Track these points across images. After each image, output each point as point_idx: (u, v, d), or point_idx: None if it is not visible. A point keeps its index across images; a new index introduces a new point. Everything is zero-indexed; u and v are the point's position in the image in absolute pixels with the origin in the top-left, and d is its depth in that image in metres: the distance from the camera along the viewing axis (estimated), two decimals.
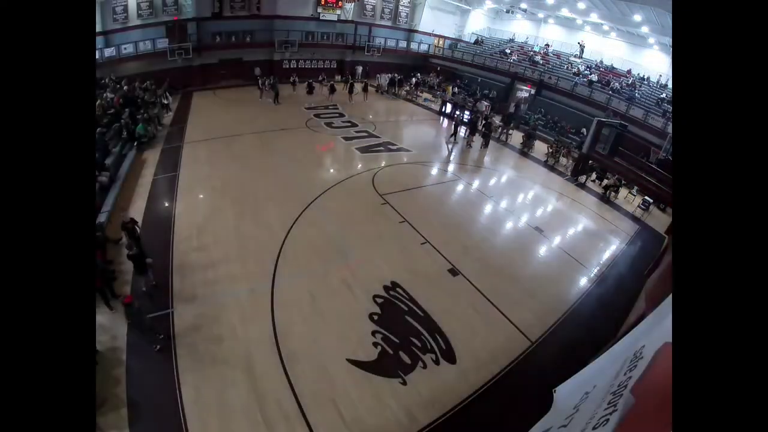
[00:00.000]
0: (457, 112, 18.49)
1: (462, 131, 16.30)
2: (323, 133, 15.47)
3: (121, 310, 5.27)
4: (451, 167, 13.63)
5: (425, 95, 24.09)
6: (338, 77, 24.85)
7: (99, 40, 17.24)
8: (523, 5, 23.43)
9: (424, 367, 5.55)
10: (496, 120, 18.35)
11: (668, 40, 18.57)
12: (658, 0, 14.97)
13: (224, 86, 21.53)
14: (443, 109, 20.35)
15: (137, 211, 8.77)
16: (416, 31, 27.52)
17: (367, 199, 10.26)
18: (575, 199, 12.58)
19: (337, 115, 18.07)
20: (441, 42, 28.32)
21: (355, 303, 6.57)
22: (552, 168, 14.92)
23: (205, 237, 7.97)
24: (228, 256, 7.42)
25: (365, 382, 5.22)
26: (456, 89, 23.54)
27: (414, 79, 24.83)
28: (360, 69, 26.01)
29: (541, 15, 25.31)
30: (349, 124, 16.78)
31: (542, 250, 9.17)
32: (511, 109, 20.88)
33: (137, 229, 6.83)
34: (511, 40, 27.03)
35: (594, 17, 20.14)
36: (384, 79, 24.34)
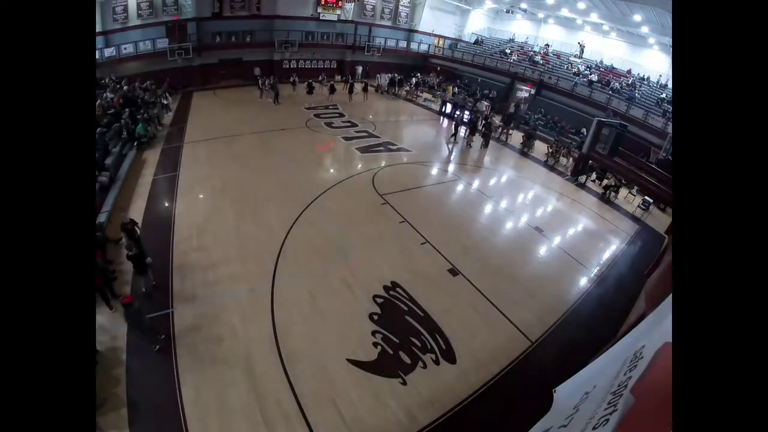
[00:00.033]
0: (457, 112, 18.49)
1: (462, 131, 16.30)
2: (323, 133, 15.47)
3: (121, 310, 5.27)
4: (451, 167, 13.63)
5: (425, 95, 24.10)
6: (338, 77, 24.85)
7: (99, 40, 17.23)
8: (523, 5, 23.43)
9: (424, 367, 5.55)
10: (496, 120, 18.36)
11: (668, 40, 18.57)
12: (658, 0, 14.97)
13: (224, 86, 21.53)
14: (443, 109, 20.36)
15: (137, 211, 8.77)
16: (416, 31, 27.52)
17: (367, 199, 10.26)
18: (575, 199, 12.59)
19: (337, 115, 18.07)
20: (441, 42, 28.33)
21: (355, 303, 6.57)
22: (552, 168, 14.92)
23: (205, 237, 7.97)
24: (228, 256, 7.42)
25: (365, 382, 5.22)
26: (456, 89, 23.54)
27: (414, 79, 24.84)
28: (360, 69, 26.01)
29: (541, 15, 25.31)
30: (349, 124, 16.78)
31: (542, 250, 9.17)
32: (511, 109, 20.88)
33: (137, 230, 6.83)
34: (511, 40, 27.03)
35: (594, 17, 20.14)
36: (384, 79, 24.35)
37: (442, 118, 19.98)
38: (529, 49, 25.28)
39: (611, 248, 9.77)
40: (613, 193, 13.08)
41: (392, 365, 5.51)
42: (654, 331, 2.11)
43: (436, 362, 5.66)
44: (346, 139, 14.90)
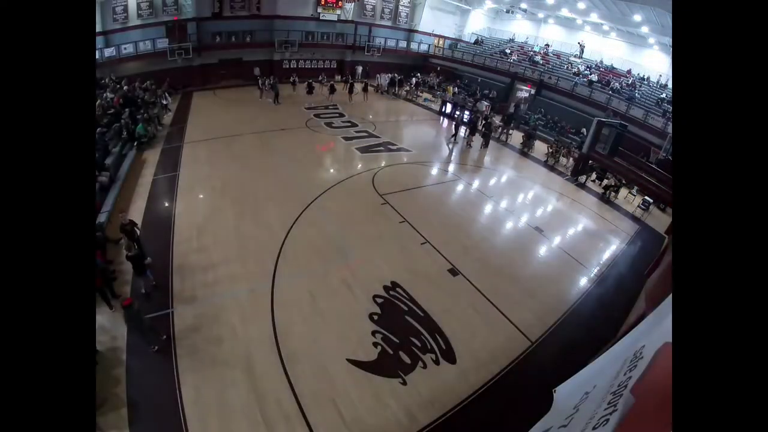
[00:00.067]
0: (457, 112, 18.49)
1: (462, 131, 16.30)
2: (323, 133, 15.47)
3: (121, 311, 5.26)
4: (451, 167, 13.63)
5: (425, 95, 24.10)
6: (338, 77, 24.85)
7: (99, 40, 17.24)
8: (523, 5, 23.43)
9: (424, 367, 5.55)
10: (496, 120, 18.36)
11: (668, 40, 18.57)
12: (658, 0, 14.98)
13: (224, 86, 21.53)
14: (443, 109, 20.36)
15: (137, 211, 8.77)
16: (416, 31, 27.52)
17: (367, 199, 10.26)
18: (575, 199, 12.59)
19: (337, 115, 18.07)
20: (441, 42, 28.33)
21: (355, 303, 6.57)
22: (552, 168, 14.92)
23: (205, 237, 7.97)
24: (228, 256, 7.42)
25: (365, 382, 5.22)
26: (456, 89, 23.55)
27: (414, 79, 24.84)
28: (360, 69, 26.01)
29: (541, 15, 25.31)
30: (349, 124, 16.78)
31: (542, 250, 9.17)
32: (511, 109, 20.89)
33: (136, 231, 6.81)
34: (511, 40, 27.04)
35: (594, 17, 20.14)
36: (384, 79, 24.35)
37: (442, 118, 19.98)
38: (529, 49, 25.28)
39: (611, 248, 9.77)
40: (613, 193, 13.08)
41: (392, 365, 5.51)
42: (654, 331, 2.11)
43: (436, 362, 5.66)
44: (346, 139, 14.90)
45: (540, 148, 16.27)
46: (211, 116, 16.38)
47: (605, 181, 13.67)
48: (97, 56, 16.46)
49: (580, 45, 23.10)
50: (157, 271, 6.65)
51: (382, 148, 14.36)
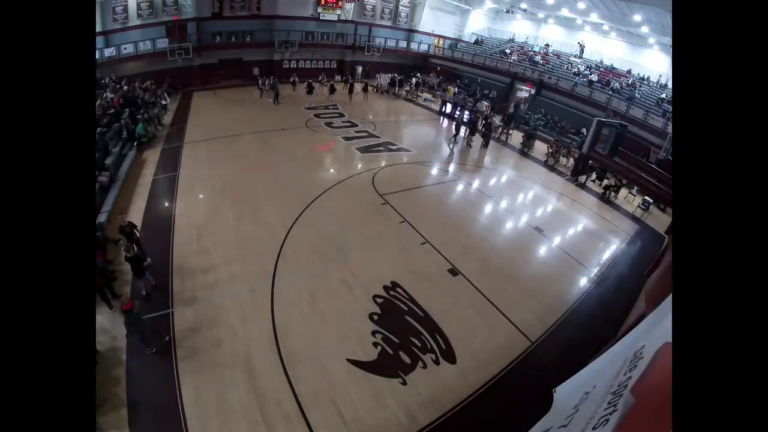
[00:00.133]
0: (457, 113, 18.49)
1: (462, 131, 16.31)
2: (323, 133, 15.47)
3: (122, 314, 5.25)
4: (451, 167, 13.63)
5: (425, 95, 24.10)
6: (338, 77, 24.85)
7: (99, 40, 17.23)
8: (523, 5, 23.43)
9: (424, 367, 5.55)
10: (496, 120, 18.36)
11: (668, 40, 18.57)
12: (658, 0, 14.98)
13: (224, 86, 21.53)
14: (443, 109, 20.36)
15: (137, 211, 8.78)
16: (416, 31, 27.52)
17: (367, 199, 10.26)
18: (575, 199, 12.59)
19: (337, 115, 18.07)
20: (441, 42, 28.33)
21: (355, 303, 6.57)
22: (552, 168, 14.92)
23: (205, 237, 7.97)
24: (228, 256, 7.42)
25: (365, 382, 5.22)
26: (456, 89, 23.55)
27: (414, 79, 24.84)
28: (360, 69, 26.01)
29: (541, 15, 25.31)
30: (349, 124, 16.78)
31: (542, 250, 9.17)
32: (511, 110, 20.88)
33: (136, 232, 6.79)
34: (511, 40, 27.03)
35: (594, 17, 20.14)
36: (384, 79, 24.35)
37: (442, 118, 19.98)
38: (529, 49, 25.28)
39: (611, 248, 9.77)
40: (613, 193, 13.09)
41: (392, 365, 5.51)
42: (654, 331, 2.11)
43: (436, 362, 5.66)
44: (346, 139, 14.90)
45: (540, 148, 16.27)
46: (211, 116, 16.38)
47: (605, 181, 13.68)
48: (97, 56, 16.46)
49: (580, 45, 23.10)
50: (157, 271, 6.65)
51: (382, 148, 14.36)
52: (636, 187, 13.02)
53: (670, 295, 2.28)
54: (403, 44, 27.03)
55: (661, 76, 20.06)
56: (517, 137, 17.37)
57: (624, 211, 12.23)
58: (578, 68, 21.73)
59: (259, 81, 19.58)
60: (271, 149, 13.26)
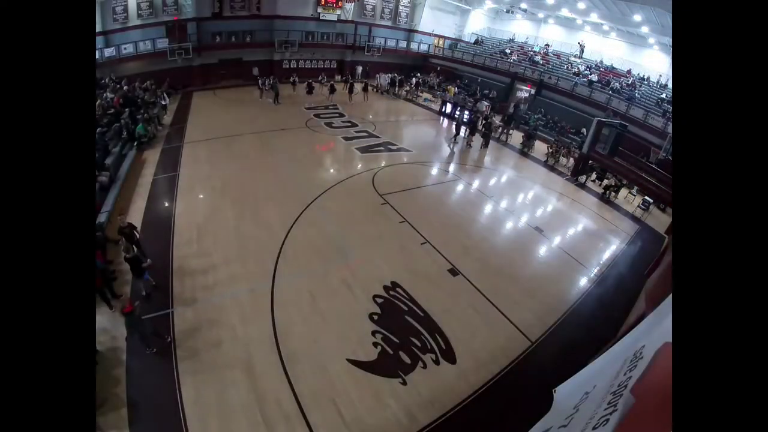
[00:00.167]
0: (457, 113, 18.50)
1: (463, 131, 16.31)
2: (323, 133, 15.47)
3: (122, 316, 5.24)
4: (451, 167, 13.63)
5: (425, 95, 24.10)
6: (338, 77, 24.85)
7: (99, 40, 17.23)
8: (523, 5, 23.43)
9: (424, 367, 5.55)
10: (496, 120, 18.36)
11: (668, 40, 18.57)
12: (658, 0, 14.98)
13: (224, 86, 21.53)
14: (443, 109, 20.36)
15: (137, 211, 8.78)
16: (416, 31, 27.52)
17: (367, 199, 10.26)
18: (575, 199, 12.59)
19: (337, 115, 18.07)
20: (441, 42, 28.33)
21: (355, 303, 6.57)
22: (552, 168, 14.92)
23: (205, 237, 7.97)
24: (228, 256, 7.42)
25: (365, 382, 5.22)
26: (456, 89, 23.55)
27: (414, 79, 24.84)
28: (360, 69, 26.01)
29: (541, 15, 25.31)
30: (349, 124, 16.78)
31: (542, 250, 9.17)
32: (511, 110, 20.88)
33: (136, 233, 6.77)
34: (511, 40, 27.04)
35: (594, 17, 20.14)
36: (384, 79, 24.35)
37: (442, 118, 19.98)
38: (529, 49, 25.28)
39: (611, 248, 9.77)
40: (613, 193, 13.09)
41: (392, 365, 5.51)
42: (654, 331, 2.11)
43: (436, 362, 5.66)
44: (346, 139, 14.90)
45: (540, 148, 16.27)
46: (211, 116, 16.38)
47: (605, 181, 13.67)
48: (97, 56, 16.46)
49: (580, 45, 23.10)
50: (157, 271, 6.65)
51: (382, 148, 14.36)
52: (636, 187, 13.02)
53: (670, 295, 2.28)
54: (403, 44, 27.03)
55: (661, 76, 20.06)
56: (517, 137, 17.37)
57: (624, 211, 12.23)
58: (578, 68, 21.73)
59: (259, 81, 19.58)
60: (271, 149, 13.26)
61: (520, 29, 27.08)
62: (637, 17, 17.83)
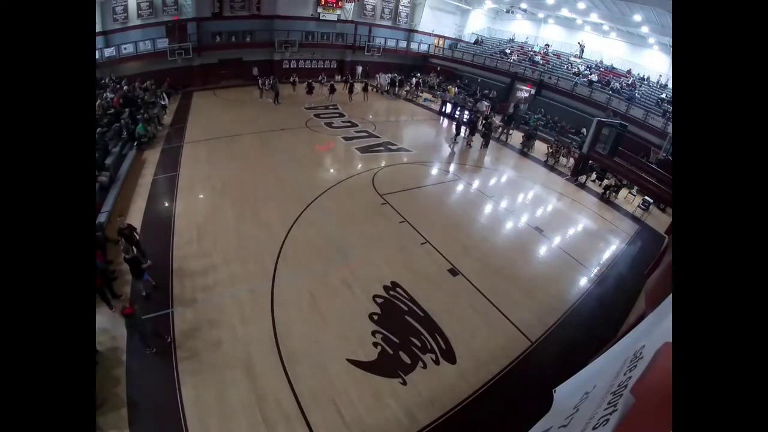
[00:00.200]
0: (457, 113, 18.50)
1: (463, 131, 16.32)
2: (323, 133, 15.47)
3: (121, 310, 5.25)
4: (451, 167, 13.63)
5: (425, 95, 24.10)
6: (338, 77, 24.85)
7: (99, 40, 17.24)
8: (523, 5, 23.43)
9: (424, 367, 5.55)
10: (497, 120, 18.36)
11: (668, 40, 18.57)
12: (658, 0, 14.98)
13: (224, 86, 21.54)
14: (443, 109, 20.37)
15: (137, 211, 8.78)
16: (416, 31, 27.52)
17: (367, 199, 10.26)
18: (575, 199, 12.59)
19: (337, 115, 18.07)
20: (441, 42, 28.33)
21: (355, 303, 6.57)
22: (552, 168, 14.92)
23: (205, 237, 7.97)
24: (228, 256, 7.42)
25: (365, 382, 5.22)
26: (456, 89, 23.56)
27: (414, 79, 24.84)
28: (360, 69, 26.02)
29: (541, 15, 25.31)
30: (349, 124, 16.78)
31: (542, 250, 9.17)
32: (511, 110, 20.88)
33: (135, 235, 6.76)
34: (511, 40, 27.04)
35: (594, 17, 20.14)
36: (384, 79, 24.35)
37: (442, 118, 19.98)
38: (529, 49, 25.28)
39: (611, 248, 9.77)
40: (613, 193, 13.08)
41: (392, 365, 5.51)
42: (654, 331, 2.11)
43: (436, 362, 5.66)
44: (346, 139, 14.90)
45: (540, 148, 16.27)
46: (211, 116, 16.38)
47: (605, 181, 13.67)
48: (97, 56, 16.46)
49: (580, 45, 23.10)
50: (157, 271, 6.65)
51: (382, 148, 14.36)
52: (636, 187, 13.02)
53: (670, 295, 2.28)
54: (403, 44, 27.03)
55: (661, 76, 20.06)
56: (517, 137, 17.37)
57: (624, 211, 12.23)
58: (578, 68, 21.73)
59: (259, 81, 19.58)
60: (271, 149, 13.26)
61: (520, 29, 27.08)
62: (637, 17, 17.84)
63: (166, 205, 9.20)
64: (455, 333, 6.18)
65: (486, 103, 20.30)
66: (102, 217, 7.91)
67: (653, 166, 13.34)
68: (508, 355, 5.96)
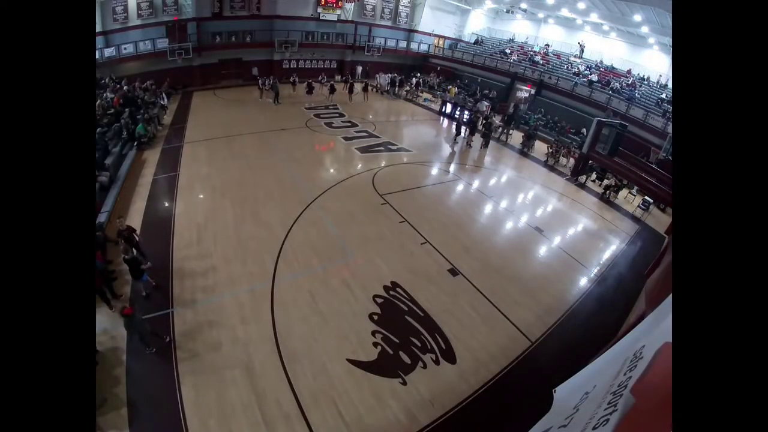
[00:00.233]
0: (457, 113, 18.50)
1: (463, 131, 16.32)
2: (323, 133, 15.47)
3: (120, 310, 5.25)
4: (451, 167, 13.63)
5: (425, 95, 24.10)
6: (338, 77, 24.85)
7: (99, 40, 17.24)
8: (523, 5, 23.44)
9: (424, 367, 5.55)
10: (497, 120, 18.36)
11: (668, 40, 18.58)
12: (658, 0, 14.98)
13: (224, 86, 21.55)
14: (443, 109, 20.37)
15: (137, 211, 8.78)
16: (416, 31, 27.53)
17: (367, 199, 10.26)
18: (575, 199, 12.59)
19: (337, 115, 18.07)
20: (441, 42, 28.34)
21: (355, 303, 6.57)
22: (552, 168, 14.92)
23: (205, 237, 7.97)
24: (228, 256, 7.42)
25: (365, 382, 5.22)
26: (457, 89, 23.56)
27: (414, 80, 24.84)
28: (360, 69, 26.02)
29: (541, 15, 25.32)
30: (349, 124, 16.79)
31: (542, 250, 9.17)
32: (511, 110, 20.89)
33: (135, 236, 6.74)
34: (511, 40, 27.05)
35: (594, 17, 20.14)
36: (384, 79, 24.35)
37: (442, 118, 19.98)
38: (529, 49, 25.28)
39: (611, 248, 9.77)
40: (613, 193, 13.08)
41: (392, 365, 5.51)
42: (654, 331, 2.11)
43: (436, 362, 5.66)
44: (346, 139, 14.90)
45: (540, 148, 16.27)
46: (211, 116, 16.38)
47: (605, 181, 13.67)
48: (97, 56, 16.46)
49: (580, 45, 23.11)
50: (156, 271, 6.65)
51: (382, 148, 14.36)
52: (636, 187, 13.02)
53: (670, 295, 2.28)
54: (403, 44, 27.03)
55: (661, 76, 20.07)
56: (517, 137, 17.38)
57: (624, 211, 12.23)
58: (578, 68, 21.74)
59: (259, 81, 19.58)
60: (271, 149, 13.26)
61: (520, 29, 27.09)
62: (637, 17, 17.84)
63: (166, 205, 9.20)
64: (455, 333, 6.19)
65: (486, 103, 20.30)
66: (102, 217, 7.91)
67: (653, 166, 13.34)
68: (508, 355, 5.96)
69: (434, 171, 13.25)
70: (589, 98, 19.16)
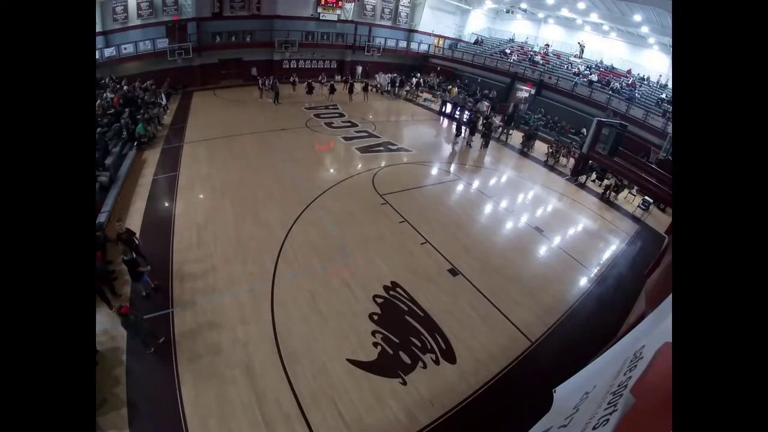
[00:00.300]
0: (457, 113, 18.51)
1: (463, 131, 16.32)
2: (323, 133, 15.47)
3: (117, 308, 5.25)
4: (451, 167, 13.63)
5: (425, 95, 24.10)
6: (338, 77, 24.85)
7: (99, 40, 17.24)
8: (523, 5, 23.44)
9: (424, 367, 5.55)
10: (497, 120, 18.36)
11: (668, 40, 18.58)
12: (658, 0, 14.98)
13: (224, 86, 21.55)
14: (443, 109, 20.37)
15: (137, 211, 8.78)
16: (416, 31, 27.53)
17: (367, 199, 10.26)
18: (575, 199, 12.59)
19: (337, 115, 18.07)
20: (441, 42, 28.34)
21: (355, 303, 6.57)
22: (552, 168, 14.92)
23: (205, 237, 7.97)
24: (228, 256, 7.42)
25: (365, 382, 5.22)
26: (457, 89, 23.56)
27: (414, 80, 24.84)
28: (360, 69, 26.02)
29: (541, 15, 25.32)
30: (349, 124, 16.79)
31: (542, 250, 9.17)
32: (511, 110, 20.89)
33: (134, 239, 6.71)
34: (511, 40, 27.05)
35: (594, 17, 20.14)
36: (384, 79, 24.35)
37: (442, 118, 19.98)
38: (529, 49, 25.28)
39: (611, 248, 9.77)
40: (613, 193, 13.08)
41: (392, 365, 5.51)
42: (654, 331, 2.11)
43: (436, 362, 5.66)
44: (346, 139, 14.90)
45: (540, 148, 16.28)
46: (211, 116, 16.38)
47: (605, 181, 13.67)
48: (97, 56, 16.46)
49: (580, 45, 23.11)
50: (157, 271, 6.64)
51: (382, 148, 14.36)
52: (636, 187, 13.02)
53: (670, 295, 2.28)
54: (403, 44, 27.04)
55: (661, 76, 20.07)
56: (517, 137, 17.37)
57: (624, 211, 12.23)
58: (578, 68, 21.74)
59: (259, 81, 19.58)
60: (271, 149, 13.26)
61: (520, 29, 27.09)
62: (637, 17, 17.84)
63: (166, 205, 9.20)
64: (455, 333, 6.19)
65: (486, 103, 20.29)
66: (102, 217, 7.91)
67: (653, 166, 13.34)
68: (508, 355, 5.96)
69: (434, 171, 13.25)
70: (589, 98, 19.17)
